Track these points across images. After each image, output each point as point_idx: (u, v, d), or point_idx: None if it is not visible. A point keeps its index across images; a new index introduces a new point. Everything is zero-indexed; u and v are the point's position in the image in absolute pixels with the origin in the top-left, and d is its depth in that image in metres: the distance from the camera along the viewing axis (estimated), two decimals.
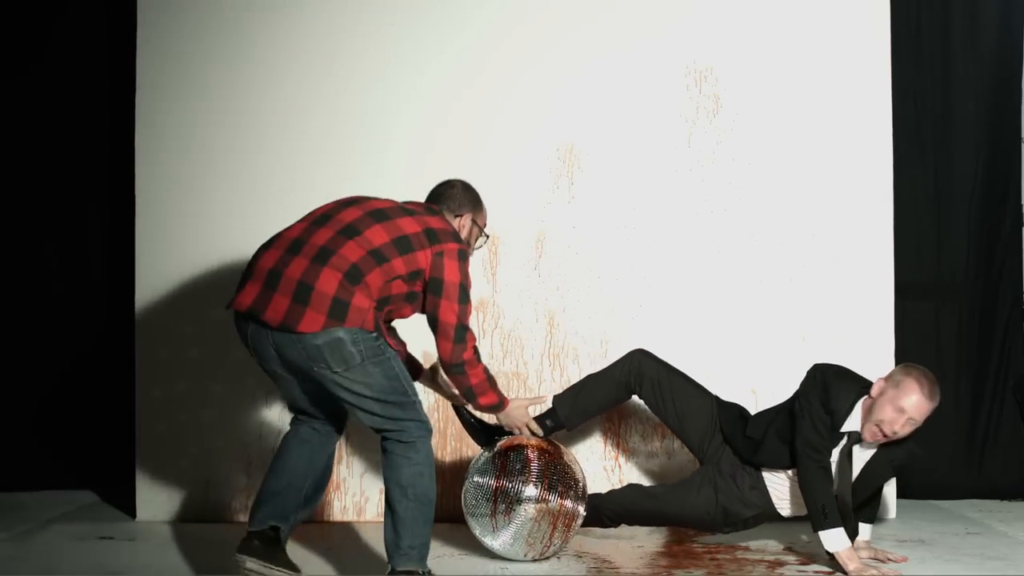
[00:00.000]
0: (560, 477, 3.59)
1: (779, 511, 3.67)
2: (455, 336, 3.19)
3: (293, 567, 3.19)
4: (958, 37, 4.79)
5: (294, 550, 3.73)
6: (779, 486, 3.63)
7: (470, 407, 3.60)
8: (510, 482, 3.56)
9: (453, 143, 4.31)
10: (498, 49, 4.34)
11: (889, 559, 3.53)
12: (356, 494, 4.29)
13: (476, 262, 4.30)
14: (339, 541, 3.93)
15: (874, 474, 3.52)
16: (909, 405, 3.38)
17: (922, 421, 3.41)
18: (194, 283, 4.29)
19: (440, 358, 3.28)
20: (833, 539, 3.36)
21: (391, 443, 3.12)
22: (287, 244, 3.10)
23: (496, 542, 3.61)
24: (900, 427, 3.38)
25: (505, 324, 4.32)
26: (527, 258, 4.33)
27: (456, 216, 3.41)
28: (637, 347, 3.90)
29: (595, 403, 3.83)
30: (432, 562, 3.59)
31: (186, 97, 4.30)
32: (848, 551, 3.34)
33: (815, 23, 4.37)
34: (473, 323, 4.24)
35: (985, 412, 4.76)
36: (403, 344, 3.52)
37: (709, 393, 3.82)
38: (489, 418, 3.71)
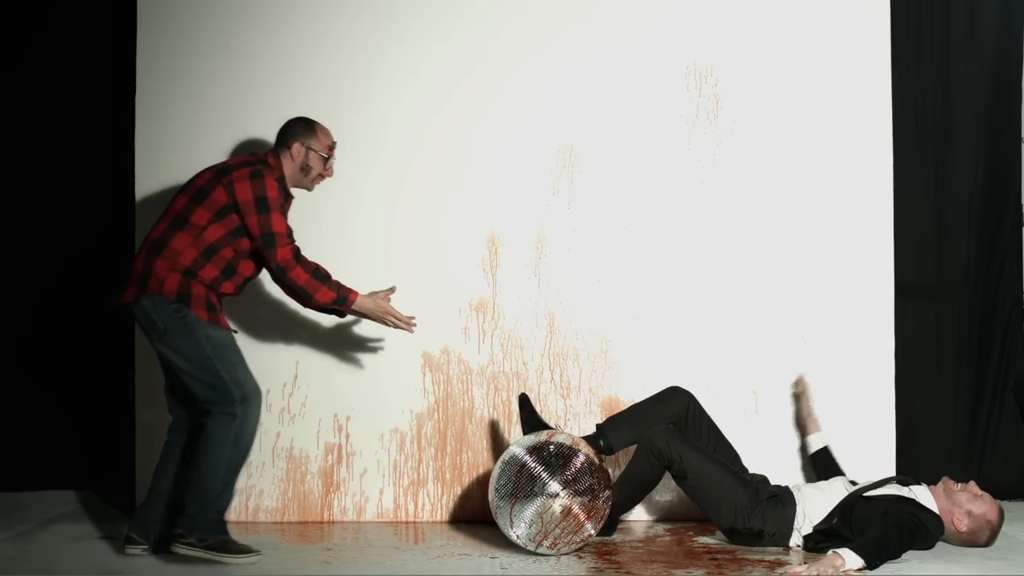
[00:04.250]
0: (590, 491, 3.67)
1: (790, 538, 3.76)
2: (263, 244, 3.52)
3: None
4: (958, 37, 4.79)
5: (294, 550, 3.73)
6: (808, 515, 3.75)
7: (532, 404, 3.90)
8: (545, 469, 3.68)
9: (452, 143, 4.31)
10: (497, 49, 4.34)
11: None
12: (356, 494, 4.29)
13: (475, 263, 4.31)
14: (339, 541, 3.93)
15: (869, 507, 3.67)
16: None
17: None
18: None
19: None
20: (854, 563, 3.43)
21: (205, 416, 3.49)
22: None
23: (507, 510, 3.66)
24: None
25: (505, 325, 4.32)
26: (527, 259, 4.33)
27: (287, 147, 3.70)
28: (683, 389, 4.01)
29: (638, 435, 3.90)
30: (432, 562, 3.61)
31: (186, 97, 4.30)
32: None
33: (815, 24, 4.37)
34: (461, 313, 4.26)
35: (985, 412, 4.76)
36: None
37: (739, 477, 3.84)
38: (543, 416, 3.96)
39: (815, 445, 4.17)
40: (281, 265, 3.53)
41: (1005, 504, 4.00)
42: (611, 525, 3.93)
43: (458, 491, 4.31)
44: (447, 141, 4.31)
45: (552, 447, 3.71)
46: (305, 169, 3.71)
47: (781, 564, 3.54)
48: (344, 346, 4.27)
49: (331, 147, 3.75)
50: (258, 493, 4.27)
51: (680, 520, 4.29)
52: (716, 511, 3.76)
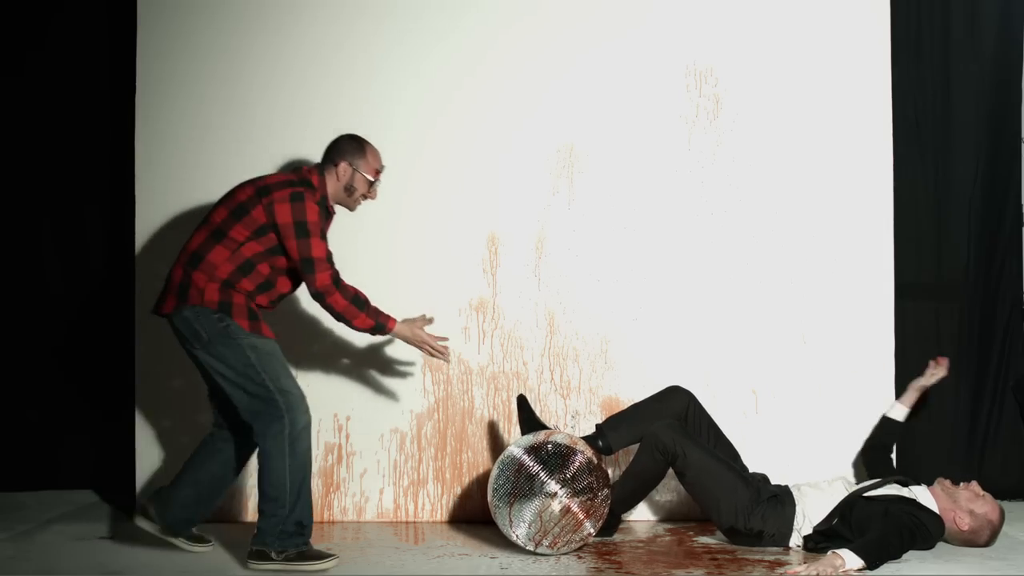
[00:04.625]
0: (588, 490, 3.68)
1: (789, 538, 3.76)
2: (303, 268, 3.51)
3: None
4: (958, 37, 4.78)
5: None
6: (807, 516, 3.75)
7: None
8: (548, 470, 3.68)
9: (452, 144, 4.31)
10: (497, 50, 4.34)
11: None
12: (356, 494, 4.29)
13: (476, 263, 4.31)
14: (339, 541, 3.93)
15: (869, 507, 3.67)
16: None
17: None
18: None
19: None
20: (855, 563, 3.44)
21: (256, 435, 3.49)
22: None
23: (506, 509, 3.66)
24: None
25: (505, 325, 4.32)
26: (527, 259, 4.33)
27: (334, 165, 3.66)
28: (683, 388, 4.01)
29: (638, 435, 3.91)
30: (432, 562, 3.61)
31: (186, 97, 4.31)
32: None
33: (815, 24, 4.37)
34: (461, 313, 4.26)
35: (985, 412, 4.76)
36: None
37: (740, 475, 3.84)
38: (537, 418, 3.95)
39: (897, 414, 4.22)
40: (320, 291, 3.51)
41: (1005, 504, 3.99)
42: (613, 525, 3.94)
43: (458, 491, 4.31)
44: (447, 142, 4.31)
45: (550, 447, 3.71)
46: (349, 189, 3.66)
47: (781, 564, 3.55)
48: (344, 346, 4.27)
49: (378, 171, 3.70)
50: (258, 493, 4.26)
51: (680, 520, 4.29)
52: (716, 509, 3.76)
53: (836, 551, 3.42)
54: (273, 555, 3.45)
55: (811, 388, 4.31)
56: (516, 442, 3.77)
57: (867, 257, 4.34)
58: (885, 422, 4.21)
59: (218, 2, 4.33)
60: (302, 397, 3.51)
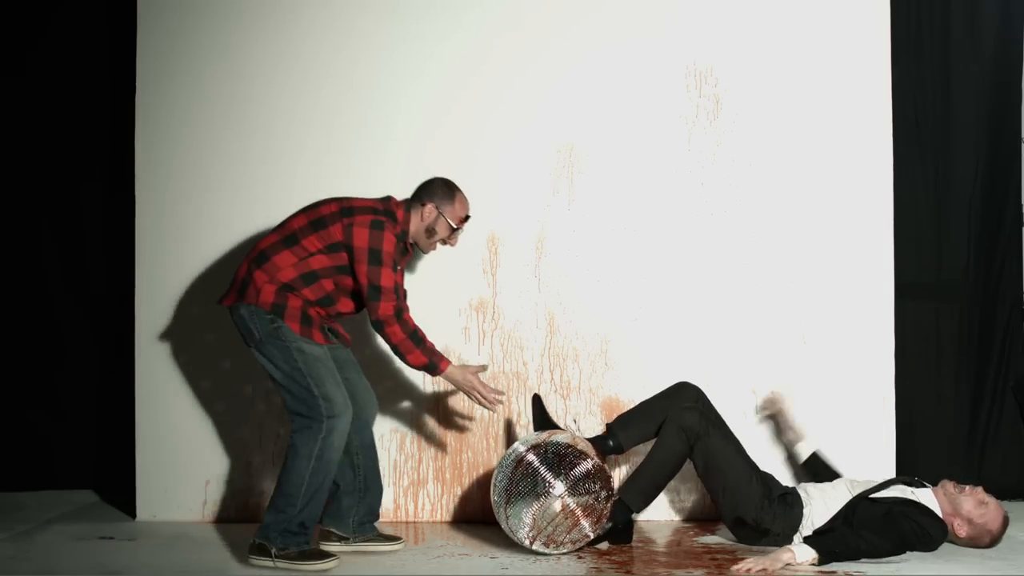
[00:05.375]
0: (588, 491, 3.66)
1: (792, 539, 3.75)
2: (368, 295, 3.53)
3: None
4: (958, 37, 4.79)
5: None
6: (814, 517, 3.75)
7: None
8: (547, 468, 3.68)
9: (452, 144, 4.31)
10: (496, 49, 4.34)
11: None
12: None
13: (476, 263, 4.31)
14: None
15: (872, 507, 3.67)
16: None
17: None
18: (194, 284, 4.29)
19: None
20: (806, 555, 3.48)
21: (293, 430, 3.53)
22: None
23: (503, 505, 3.66)
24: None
25: (505, 325, 4.32)
26: (527, 259, 4.33)
27: (421, 204, 3.68)
28: (692, 384, 3.99)
29: (649, 432, 3.91)
30: (433, 562, 3.61)
31: (187, 96, 4.30)
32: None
33: (815, 24, 4.37)
34: (461, 313, 4.26)
35: (985, 412, 4.76)
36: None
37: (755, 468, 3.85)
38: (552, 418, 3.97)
39: (804, 453, 4.16)
40: (381, 319, 3.55)
41: (1005, 504, 3.98)
42: (628, 529, 3.87)
43: (458, 491, 4.31)
44: (448, 142, 4.30)
45: (553, 446, 3.71)
46: (430, 231, 3.68)
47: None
48: None
49: (463, 219, 3.73)
50: (259, 493, 4.27)
51: (680, 520, 4.29)
52: (727, 498, 3.74)
53: (789, 545, 3.47)
54: (273, 551, 3.46)
55: (811, 388, 4.31)
56: (521, 440, 3.78)
57: (867, 257, 4.34)
58: (810, 463, 4.14)
59: (218, 2, 4.33)
60: (346, 406, 3.52)
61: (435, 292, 4.25)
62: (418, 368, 3.66)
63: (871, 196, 4.35)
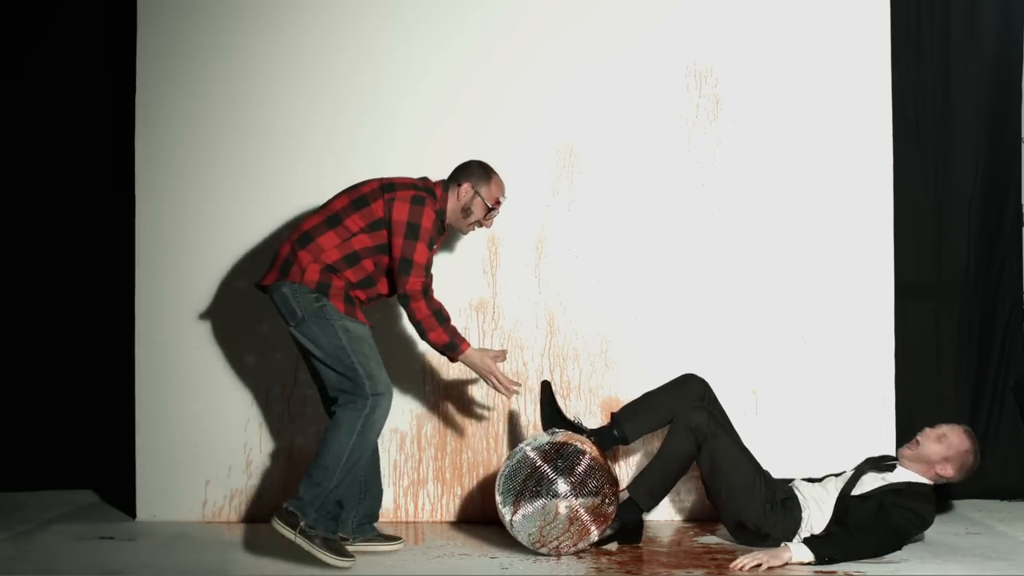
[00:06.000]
0: (594, 491, 3.64)
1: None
2: (399, 267, 3.56)
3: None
4: (958, 37, 4.79)
5: (281, 549, 3.72)
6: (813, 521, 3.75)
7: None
8: (552, 470, 3.63)
9: (453, 145, 4.30)
10: (497, 49, 4.34)
11: None
12: None
13: (476, 263, 4.31)
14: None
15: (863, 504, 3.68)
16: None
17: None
18: (194, 283, 4.29)
19: None
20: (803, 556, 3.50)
21: (336, 406, 3.53)
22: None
23: (510, 514, 3.63)
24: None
25: (505, 325, 4.32)
26: (527, 260, 4.33)
27: (458, 184, 3.73)
28: (698, 376, 3.98)
29: (655, 424, 3.93)
30: (433, 562, 3.61)
31: (187, 96, 4.30)
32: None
33: (815, 23, 4.37)
34: (461, 313, 4.26)
35: (985, 412, 4.76)
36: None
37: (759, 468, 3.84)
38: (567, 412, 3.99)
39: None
40: (408, 293, 3.57)
41: (1005, 504, 4.02)
42: (638, 529, 3.85)
43: (458, 491, 4.31)
44: (448, 142, 4.30)
45: (559, 448, 3.68)
46: (466, 211, 3.72)
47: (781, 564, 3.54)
48: None
49: (499, 201, 3.76)
50: (258, 493, 4.27)
51: (680, 520, 4.29)
52: (729, 501, 3.73)
53: (787, 544, 3.49)
54: (302, 524, 3.43)
55: (811, 388, 4.31)
56: (526, 442, 3.76)
57: (867, 257, 4.34)
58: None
59: (218, 2, 4.33)
60: (388, 386, 3.54)
61: (436, 292, 4.24)
62: (438, 347, 3.66)
63: (871, 196, 4.35)
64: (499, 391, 3.77)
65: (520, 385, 3.89)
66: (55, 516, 4.33)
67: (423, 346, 4.23)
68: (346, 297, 3.55)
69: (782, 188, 4.34)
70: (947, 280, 4.80)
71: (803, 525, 3.73)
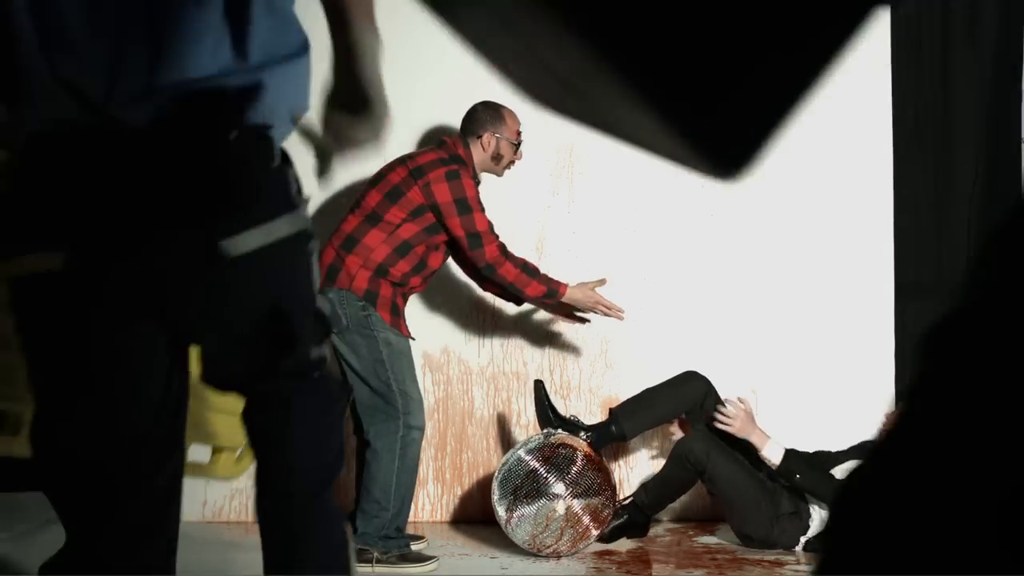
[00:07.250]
0: (592, 492, 3.63)
1: (796, 546, 3.77)
2: (469, 245, 3.48)
3: None
4: (958, 37, 4.79)
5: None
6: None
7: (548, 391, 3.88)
8: (547, 471, 3.62)
9: None
10: None
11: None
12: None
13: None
14: None
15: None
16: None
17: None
18: None
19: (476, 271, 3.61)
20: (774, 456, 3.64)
21: (370, 436, 3.41)
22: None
23: (508, 518, 3.63)
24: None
25: (505, 325, 4.32)
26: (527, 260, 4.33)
27: (476, 137, 3.66)
28: (700, 374, 3.97)
29: (654, 421, 3.94)
30: (433, 562, 3.61)
31: None
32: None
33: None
34: (461, 312, 4.26)
35: None
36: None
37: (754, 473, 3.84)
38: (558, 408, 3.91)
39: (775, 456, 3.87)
40: (491, 263, 3.51)
41: None
42: (645, 525, 3.87)
43: (458, 491, 4.31)
44: None
45: (553, 450, 3.69)
46: (497, 158, 3.68)
47: (781, 564, 3.55)
48: None
49: (519, 132, 3.71)
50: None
51: (680, 520, 4.29)
52: (736, 518, 3.76)
53: (770, 438, 3.63)
54: (376, 555, 3.39)
55: (811, 388, 4.31)
56: (521, 444, 3.75)
57: (867, 257, 4.35)
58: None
59: None
60: (421, 403, 3.48)
61: (435, 292, 4.25)
62: (537, 299, 3.63)
63: (871, 196, 4.35)
64: (610, 316, 3.74)
65: (623, 310, 3.81)
66: (55, 516, 4.31)
67: (423, 346, 4.24)
68: (392, 306, 3.47)
69: (782, 188, 4.35)
70: (947, 280, 4.80)
71: (809, 531, 3.72)
